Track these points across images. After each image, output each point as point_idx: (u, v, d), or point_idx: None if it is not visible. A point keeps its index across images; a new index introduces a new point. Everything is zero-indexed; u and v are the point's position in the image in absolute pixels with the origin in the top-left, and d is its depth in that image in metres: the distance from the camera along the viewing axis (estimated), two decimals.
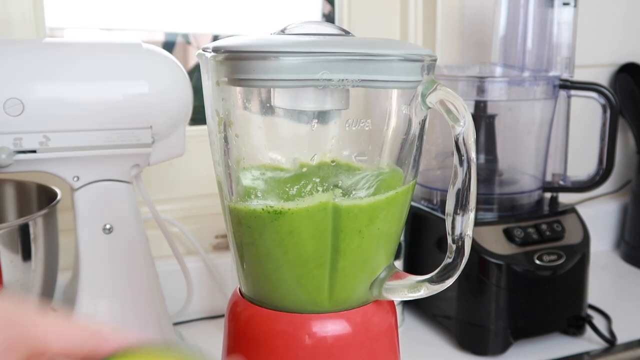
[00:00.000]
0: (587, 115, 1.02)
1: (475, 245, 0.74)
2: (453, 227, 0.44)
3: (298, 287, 0.46)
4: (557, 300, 0.79)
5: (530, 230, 0.78)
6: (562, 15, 0.85)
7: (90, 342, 0.34)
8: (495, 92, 0.81)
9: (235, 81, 0.43)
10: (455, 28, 1.00)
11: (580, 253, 0.80)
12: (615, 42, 1.13)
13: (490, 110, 0.84)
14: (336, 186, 0.44)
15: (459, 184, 0.43)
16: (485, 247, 0.75)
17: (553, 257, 0.77)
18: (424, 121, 0.47)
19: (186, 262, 0.78)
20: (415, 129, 0.46)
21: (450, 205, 0.44)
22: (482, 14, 1.01)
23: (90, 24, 0.96)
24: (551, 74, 0.84)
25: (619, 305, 0.91)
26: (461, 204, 0.43)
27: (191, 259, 0.85)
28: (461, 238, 0.44)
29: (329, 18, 1.06)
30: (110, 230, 0.66)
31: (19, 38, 0.78)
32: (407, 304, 0.87)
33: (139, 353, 0.33)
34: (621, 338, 0.81)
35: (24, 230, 0.62)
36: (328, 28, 0.46)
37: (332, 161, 0.45)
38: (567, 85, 0.83)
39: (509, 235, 0.77)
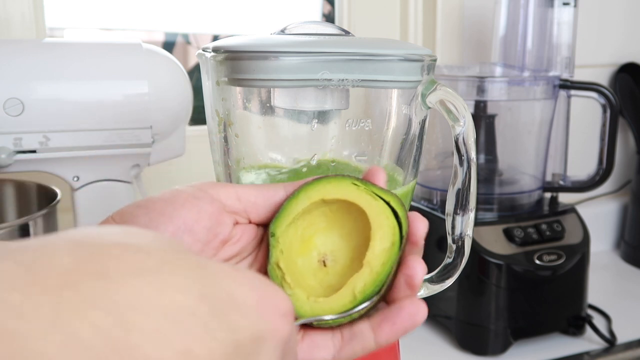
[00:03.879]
0: (587, 115, 1.02)
1: (475, 245, 0.74)
2: (453, 227, 0.44)
3: None
4: (557, 300, 0.79)
5: (530, 230, 0.78)
6: (562, 15, 0.85)
7: (272, 191, 0.36)
8: (495, 92, 0.81)
9: (235, 81, 0.43)
10: (455, 28, 1.00)
11: (580, 253, 0.80)
12: (615, 42, 1.13)
13: (490, 110, 0.84)
14: None
15: (459, 184, 0.43)
16: (485, 247, 0.75)
17: (553, 257, 0.77)
18: (424, 121, 0.47)
19: None
20: (415, 129, 0.46)
21: (450, 205, 0.44)
22: (482, 14, 1.01)
23: (90, 24, 0.96)
24: (551, 74, 0.84)
25: (619, 305, 0.91)
26: (461, 204, 0.43)
27: None
28: (461, 238, 0.44)
29: (329, 18, 1.06)
30: None
31: (19, 38, 0.78)
32: None
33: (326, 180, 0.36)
34: (621, 338, 0.81)
35: (24, 230, 0.62)
36: (328, 28, 0.46)
37: (332, 161, 0.45)
38: (567, 85, 0.83)
39: (509, 235, 0.77)
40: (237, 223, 0.35)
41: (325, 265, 0.36)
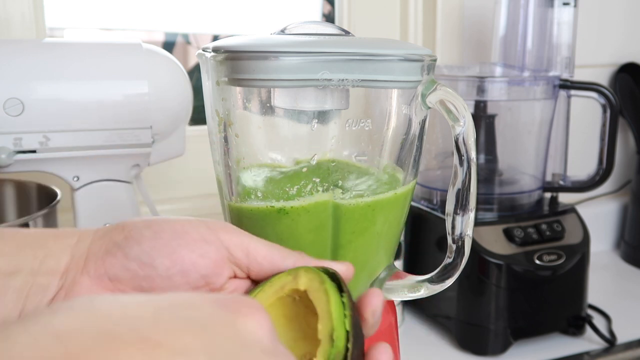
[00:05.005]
0: (587, 115, 1.02)
1: (475, 245, 0.74)
2: (453, 227, 0.44)
3: None
4: (557, 300, 0.79)
5: (530, 230, 0.78)
6: (562, 15, 0.85)
7: (280, 257, 0.35)
8: (495, 92, 0.81)
9: (235, 81, 0.43)
10: (455, 28, 1.00)
11: (580, 253, 0.80)
12: (615, 42, 1.13)
13: (490, 110, 0.84)
14: (336, 186, 0.44)
15: (459, 184, 0.43)
16: (485, 247, 0.75)
17: (553, 257, 0.77)
18: (424, 121, 0.46)
19: None
20: (415, 129, 0.46)
21: (450, 205, 0.44)
22: (482, 14, 1.01)
23: (90, 24, 0.96)
24: (551, 74, 0.84)
25: (619, 305, 0.91)
26: (461, 204, 0.43)
27: None
28: (461, 238, 0.44)
29: (329, 18, 1.06)
30: None
31: (19, 38, 0.78)
32: (407, 304, 0.87)
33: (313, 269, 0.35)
34: (621, 338, 0.81)
35: None
36: (328, 28, 0.46)
37: (332, 161, 0.45)
38: (567, 85, 0.83)
39: (509, 235, 0.77)
40: (234, 276, 0.35)
41: None
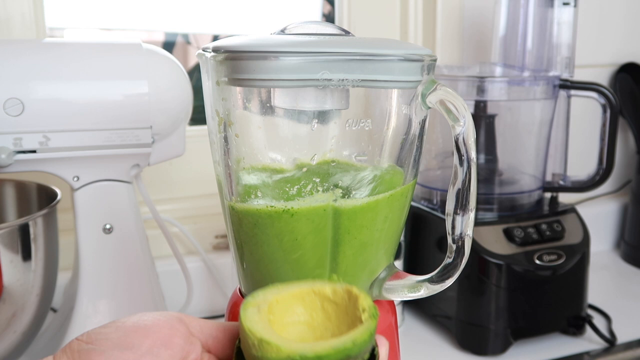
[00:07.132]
0: (587, 115, 1.02)
1: (475, 245, 0.74)
2: (453, 227, 0.44)
3: None
4: (557, 300, 0.79)
5: (530, 230, 0.78)
6: (562, 15, 0.85)
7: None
8: (495, 92, 0.81)
9: (235, 81, 0.43)
10: (455, 28, 1.00)
11: (580, 253, 0.80)
12: (615, 42, 1.13)
13: (490, 110, 0.84)
14: (336, 186, 0.44)
15: (459, 184, 0.43)
16: (485, 247, 0.75)
17: (553, 257, 0.77)
18: (424, 121, 0.46)
19: (186, 262, 0.79)
20: (415, 128, 0.46)
21: (450, 205, 0.44)
22: (482, 14, 1.01)
23: (90, 24, 0.96)
24: (551, 74, 0.84)
25: (619, 305, 0.91)
26: (461, 204, 0.43)
27: (191, 259, 0.85)
28: (461, 238, 0.44)
29: (329, 18, 1.06)
30: (110, 230, 0.66)
31: (19, 38, 0.78)
32: (407, 304, 0.87)
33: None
34: (621, 338, 0.81)
35: (24, 230, 0.62)
36: (328, 28, 0.46)
37: (332, 161, 0.45)
38: (567, 85, 0.83)
39: (509, 235, 0.77)
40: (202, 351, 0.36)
41: None
